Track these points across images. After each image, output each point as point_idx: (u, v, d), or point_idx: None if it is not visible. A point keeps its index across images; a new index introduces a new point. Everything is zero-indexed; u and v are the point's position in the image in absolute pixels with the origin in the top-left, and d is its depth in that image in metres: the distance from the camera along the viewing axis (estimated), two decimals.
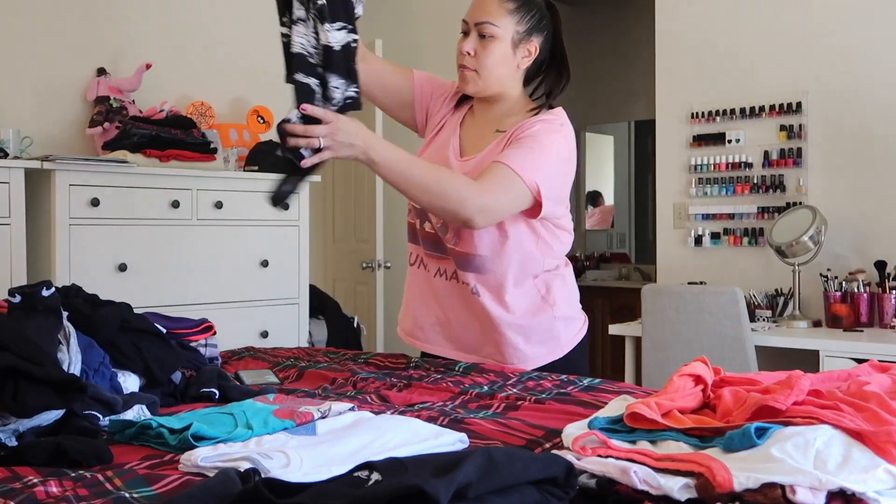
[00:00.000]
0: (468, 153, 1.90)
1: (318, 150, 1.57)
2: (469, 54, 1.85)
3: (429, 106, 2.02)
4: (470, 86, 1.88)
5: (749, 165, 3.97)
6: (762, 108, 3.94)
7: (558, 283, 1.93)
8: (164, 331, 1.69)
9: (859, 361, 3.05)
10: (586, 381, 1.66)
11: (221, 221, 3.50)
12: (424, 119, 2.02)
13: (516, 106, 1.91)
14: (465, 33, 1.87)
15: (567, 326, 1.95)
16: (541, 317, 1.90)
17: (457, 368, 1.81)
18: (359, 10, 1.68)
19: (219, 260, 3.48)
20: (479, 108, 1.96)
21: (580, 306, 2.02)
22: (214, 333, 1.87)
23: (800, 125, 3.84)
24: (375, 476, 0.85)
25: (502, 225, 1.82)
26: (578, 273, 5.45)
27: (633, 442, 1.01)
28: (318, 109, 1.58)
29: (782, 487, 0.83)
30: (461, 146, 1.93)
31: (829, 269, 3.60)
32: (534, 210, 1.79)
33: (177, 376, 1.56)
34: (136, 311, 1.69)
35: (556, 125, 1.84)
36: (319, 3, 1.61)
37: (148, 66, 3.64)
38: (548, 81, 1.93)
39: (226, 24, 4.08)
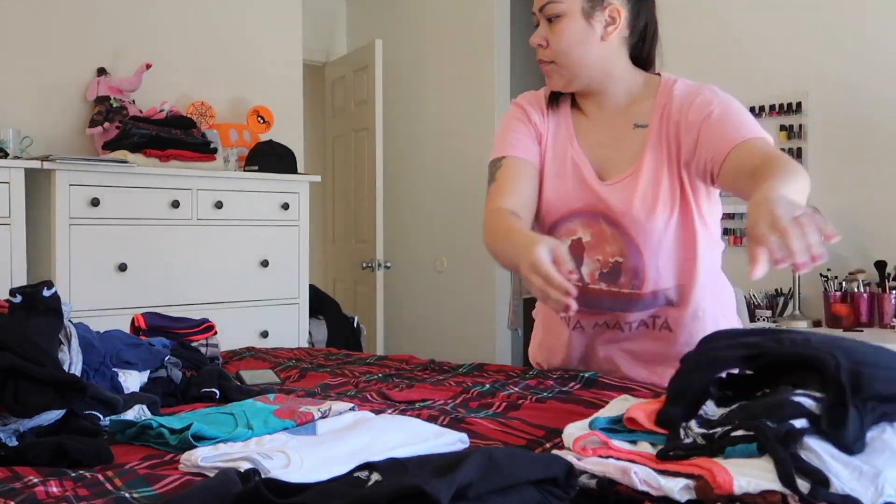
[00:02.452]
0: (618, 169, 1.59)
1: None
2: (542, 46, 1.60)
3: (538, 144, 1.68)
4: (556, 80, 1.62)
5: None
6: (762, 108, 3.94)
7: (730, 293, 1.73)
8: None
9: None
10: (587, 375, 1.61)
11: (221, 221, 3.50)
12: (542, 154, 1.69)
13: (634, 86, 1.64)
14: (535, 26, 1.61)
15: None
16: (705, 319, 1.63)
17: (460, 369, 1.81)
18: None
19: (219, 260, 3.49)
20: (588, 105, 1.67)
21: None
22: (215, 333, 1.87)
23: (800, 125, 3.84)
24: (376, 476, 0.85)
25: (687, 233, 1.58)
26: None
27: (634, 442, 1.01)
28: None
29: (783, 494, 0.83)
30: (592, 162, 1.62)
31: (829, 269, 3.60)
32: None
33: (177, 375, 1.55)
34: (135, 311, 1.69)
35: (703, 85, 1.62)
36: None
37: (148, 66, 3.65)
38: (647, 47, 1.68)
39: (226, 24, 4.09)
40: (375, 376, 1.76)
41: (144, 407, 1.35)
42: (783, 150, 3.87)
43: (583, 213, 1.62)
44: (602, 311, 1.65)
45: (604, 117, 1.66)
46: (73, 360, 1.34)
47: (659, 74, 1.69)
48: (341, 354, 2.11)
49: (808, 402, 0.93)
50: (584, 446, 0.99)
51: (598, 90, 1.65)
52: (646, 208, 1.57)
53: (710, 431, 0.95)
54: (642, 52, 1.68)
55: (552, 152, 1.67)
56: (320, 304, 4.27)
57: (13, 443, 1.14)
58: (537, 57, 1.63)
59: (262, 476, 0.95)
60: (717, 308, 1.67)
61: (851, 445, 0.87)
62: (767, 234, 1.10)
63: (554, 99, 1.71)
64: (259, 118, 4.04)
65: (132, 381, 1.48)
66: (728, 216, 4.04)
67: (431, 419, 1.29)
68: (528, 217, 1.61)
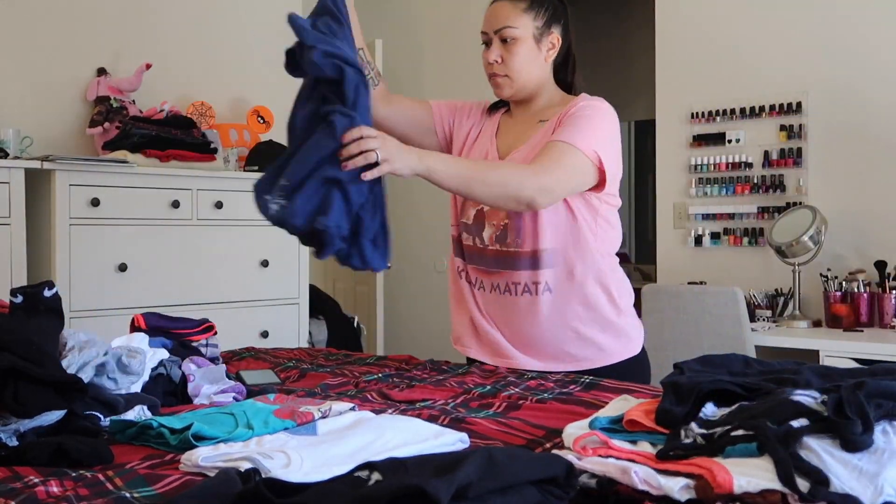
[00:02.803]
0: (513, 149, 1.90)
1: (373, 166, 1.51)
2: (497, 62, 1.87)
3: (450, 124, 2.03)
4: (505, 90, 1.91)
5: (749, 165, 3.97)
6: (762, 108, 3.94)
7: (619, 277, 1.93)
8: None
9: (859, 361, 3.07)
10: (588, 379, 1.66)
11: (221, 221, 3.50)
12: (446, 137, 2.04)
13: (554, 98, 1.94)
14: (487, 44, 1.89)
15: (634, 324, 1.95)
16: (609, 311, 1.89)
17: (460, 369, 1.81)
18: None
19: (219, 260, 3.49)
20: (517, 110, 1.98)
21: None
22: (215, 333, 1.87)
23: (800, 125, 3.84)
24: (376, 476, 0.85)
25: (567, 209, 1.83)
26: None
27: (634, 442, 1.01)
28: (359, 129, 1.52)
29: (782, 493, 0.83)
30: (499, 148, 1.94)
31: (829, 269, 3.60)
32: (599, 183, 1.81)
33: (177, 374, 1.56)
34: (135, 311, 1.69)
35: (602, 105, 1.87)
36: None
37: (148, 66, 3.64)
38: (570, 71, 1.97)
39: (226, 24, 4.09)
40: (375, 376, 1.76)
41: (145, 408, 1.35)
42: (783, 149, 3.89)
43: None
44: (498, 270, 1.89)
45: (524, 117, 1.96)
46: (74, 362, 1.34)
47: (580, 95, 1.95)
48: (341, 354, 2.11)
49: (808, 402, 0.93)
50: (584, 446, 0.99)
51: (529, 99, 1.94)
52: None
53: (710, 431, 0.95)
54: (566, 77, 1.97)
55: (477, 144, 1.98)
56: (320, 304, 4.27)
57: (13, 443, 1.14)
58: (489, 71, 1.90)
59: (263, 476, 0.95)
60: (594, 278, 1.87)
61: (860, 437, 0.87)
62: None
63: (495, 105, 2.03)
64: (259, 118, 4.04)
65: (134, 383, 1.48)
66: (728, 216, 4.04)
67: (432, 419, 1.30)
68: (398, 108, 2.01)
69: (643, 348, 1.97)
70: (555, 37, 1.90)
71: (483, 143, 1.98)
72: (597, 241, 1.87)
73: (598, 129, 1.81)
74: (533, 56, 1.87)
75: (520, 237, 1.84)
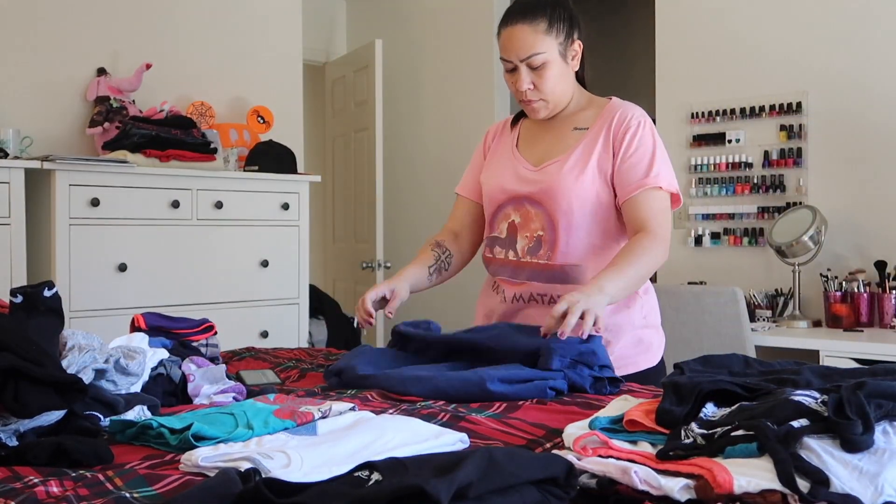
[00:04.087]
0: (549, 158, 1.90)
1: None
2: (530, 89, 1.85)
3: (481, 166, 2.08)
4: (542, 113, 1.90)
5: (749, 165, 3.97)
6: (762, 108, 3.94)
7: (646, 288, 1.95)
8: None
9: (859, 361, 3.07)
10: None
11: (221, 221, 3.50)
12: None
13: (580, 100, 1.94)
14: (512, 70, 1.86)
15: (656, 335, 1.96)
16: (635, 322, 1.90)
17: None
18: None
19: (219, 260, 3.49)
20: (536, 121, 1.97)
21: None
22: (215, 333, 1.87)
23: (800, 125, 3.84)
24: (376, 476, 0.85)
25: (603, 227, 1.87)
26: None
27: (634, 442, 1.01)
28: (552, 322, 1.58)
29: (783, 493, 0.83)
30: (528, 158, 1.94)
31: (829, 269, 3.60)
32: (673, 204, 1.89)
33: (177, 374, 1.56)
34: (135, 311, 1.69)
35: (647, 122, 1.89)
36: None
37: (148, 66, 3.64)
38: (582, 66, 1.95)
39: (226, 24, 4.09)
40: None
41: (145, 408, 1.35)
42: (783, 149, 3.89)
43: (512, 200, 1.93)
44: (532, 281, 1.89)
45: (549, 124, 1.95)
46: (74, 362, 1.34)
47: (609, 98, 1.96)
48: (341, 354, 2.11)
49: (808, 402, 0.93)
50: (584, 446, 0.99)
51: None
52: (568, 184, 1.84)
53: (711, 431, 0.95)
54: (580, 72, 1.96)
55: (496, 158, 2.00)
56: (320, 304, 4.27)
57: (13, 443, 1.14)
58: (522, 98, 1.88)
59: (263, 476, 0.95)
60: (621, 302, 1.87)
61: (860, 437, 0.87)
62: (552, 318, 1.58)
63: (517, 119, 2.04)
64: (259, 118, 4.04)
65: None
66: (728, 216, 4.04)
67: (431, 419, 1.30)
68: (468, 235, 2.10)
69: (661, 359, 1.96)
70: (577, 45, 1.88)
71: (503, 156, 1.98)
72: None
73: (660, 155, 1.84)
74: (563, 73, 1.86)
75: (553, 250, 1.86)
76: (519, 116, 2.04)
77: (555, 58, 1.83)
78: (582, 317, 1.55)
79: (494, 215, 1.97)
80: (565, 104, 1.91)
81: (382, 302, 1.90)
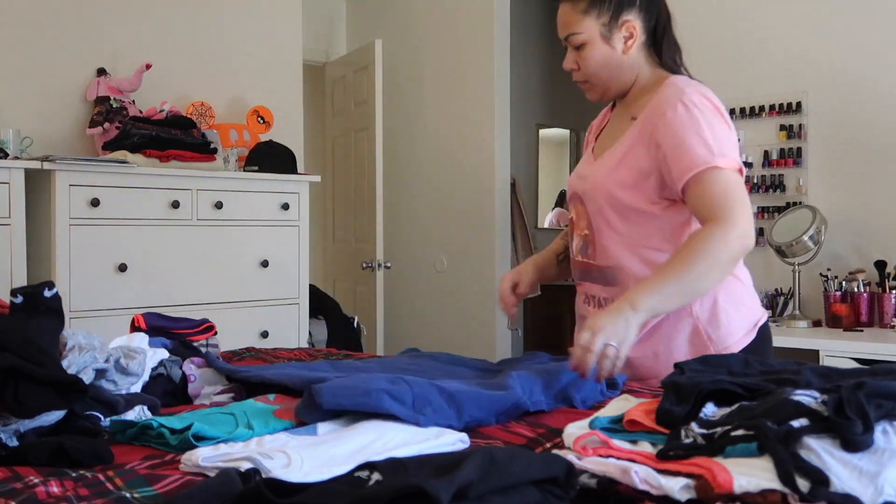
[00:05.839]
0: (604, 152, 1.81)
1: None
2: (574, 69, 1.80)
3: None
4: (592, 94, 1.84)
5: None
6: (762, 108, 3.94)
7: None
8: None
9: (859, 361, 3.07)
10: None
11: (221, 221, 3.50)
12: None
13: (647, 85, 1.80)
14: (565, 49, 1.81)
15: (734, 309, 1.74)
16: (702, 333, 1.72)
17: None
18: None
19: (219, 260, 3.49)
20: (619, 104, 1.89)
21: (755, 300, 1.82)
22: (215, 333, 1.87)
23: (800, 125, 3.84)
24: (376, 476, 0.85)
25: (651, 221, 1.72)
26: None
27: (634, 442, 1.01)
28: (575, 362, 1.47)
29: (783, 493, 0.83)
30: (595, 151, 1.87)
31: (829, 269, 3.60)
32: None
33: (177, 375, 1.56)
34: (135, 311, 1.69)
35: (684, 91, 1.69)
36: None
37: (148, 66, 3.64)
38: (668, 46, 1.81)
39: (226, 24, 4.09)
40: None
41: (145, 408, 1.35)
42: (783, 149, 3.88)
43: (572, 198, 1.88)
44: (584, 281, 1.85)
45: (622, 113, 1.85)
46: (75, 363, 1.34)
47: (670, 75, 1.79)
48: (341, 354, 2.11)
49: (808, 402, 0.93)
50: (584, 446, 0.99)
51: (624, 94, 1.84)
52: (598, 181, 1.76)
53: (711, 431, 0.95)
54: (657, 45, 1.81)
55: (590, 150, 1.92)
56: (320, 304, 4.26)
57: (14, 443, 1.14)
58: (573, 78, 1.82)
59: (263, 476, 0.95)
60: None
61: (860, 437, 0.87)
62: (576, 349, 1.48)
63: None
64: (259, 118, 4.04)
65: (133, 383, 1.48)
66: None
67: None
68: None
69: (760, 328, 1.81)
70: (630, 25, 1.74)
71: (589, 147, 1.92)
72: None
73: (708, 131, 1.64)
74: (607, 56, 1.75)
75: (595, 249, 1.79)
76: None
77: (595, 39, 1.73)
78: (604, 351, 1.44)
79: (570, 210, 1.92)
80: (620, 90, 1.81)
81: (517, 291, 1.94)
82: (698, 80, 1.79)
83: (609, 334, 1.46)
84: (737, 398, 1.04)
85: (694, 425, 0.98)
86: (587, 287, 1.84)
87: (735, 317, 1.74)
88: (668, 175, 1.67)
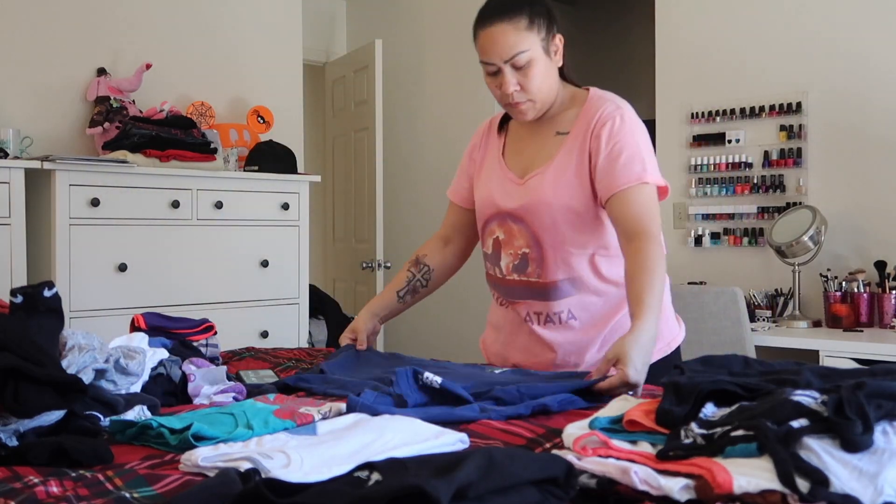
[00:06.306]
0: (533, 169, 1.81)
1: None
2: (517, 91, 1.75)
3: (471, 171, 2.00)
4: (530, 115, 1.80)
5: (749, 165, 3.97)
6: (762, 108, 3.94)
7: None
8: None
9: (859, 361, 3.07)
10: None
11: (221, 221, 3.50)
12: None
13: (565, 97, 1.83)
14: (494, 73, 1.76)
15: (668, 325, 1.86)
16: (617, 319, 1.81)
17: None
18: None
19: (219, 260, 3.49)
20: (522, 124, 1.88)
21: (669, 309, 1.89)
22: (215, 333, 1.87)
23: (800, 125, 3.84)
24: (376, 476, 0.85)
25: (595, 231, 1.79)
26: None
27: (634, 442, 1.01)
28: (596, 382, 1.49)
29: (782, 493, 0.83)
30: (512, 168, 1.86)
31: (829, 269, 3.60)
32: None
33: (177, 374, 1.56)
34: (135, 311, 1.69)
35: (627, 110, 1.78)
36: None
37: (148, 66, 3.65)
38: (568, 60, 1.85)
39: (226, 24, 4.09)
40: None
41: (145, 408, 1.35)
42: (783, 149, 3.88)
43: (496, 216, 1.86)
44: (522, 299, 1.85)
45: (534, 129, 1.86)
46: (75, 363, 1.34)
47: (587, 89, 1.86)
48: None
49: (808, 402, 0.93)
50: (584, 446, 0.99)
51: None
52: (548, 198, 1.77)
53: (710, 432, 0.95)
54: (561, 66, 1.84)
55: (485, 166, 1.93)
56: (320, 304, 4.27)
57: (13, 443, 1.14)
58: (509, 101, 1.77)
59: (263, 476, 0.95)
60: (605, 307, 1.82)
61: (860, 437, 0.87)
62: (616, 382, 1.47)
63: (505, 121, 1.95)
64: (259, 118, 4.04)
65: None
66: (728, 216, 4.04)
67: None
68: (459, 240, 2.07)
69: (677, 348, 1.89)
70: (558, 39, 1.78)
71: (491, 166, 1.90)
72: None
73: (644, 148, 1.74)
74: (548, 70, 1.76)
75: (543, 266, 1.80)
76: (504, 121, 1.95)
77: (539, 55, 1.73)
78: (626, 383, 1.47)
79: (483, 230, 1.92)
80: (552, 102, 1.82)
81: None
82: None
83: (639, 375, 1.49)
84: (737, 398, 1.04)
85: (694, 425, 0.98)
86: (527, 304, 1.84)
87: (668, 314, 1.88)
88: (597, 183, 1.75)
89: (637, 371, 1.47)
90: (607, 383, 1.46)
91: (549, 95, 1.79)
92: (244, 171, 3.68)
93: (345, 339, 1.97)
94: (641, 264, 1.65)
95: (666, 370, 1.77)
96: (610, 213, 1.74)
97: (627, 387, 1.47)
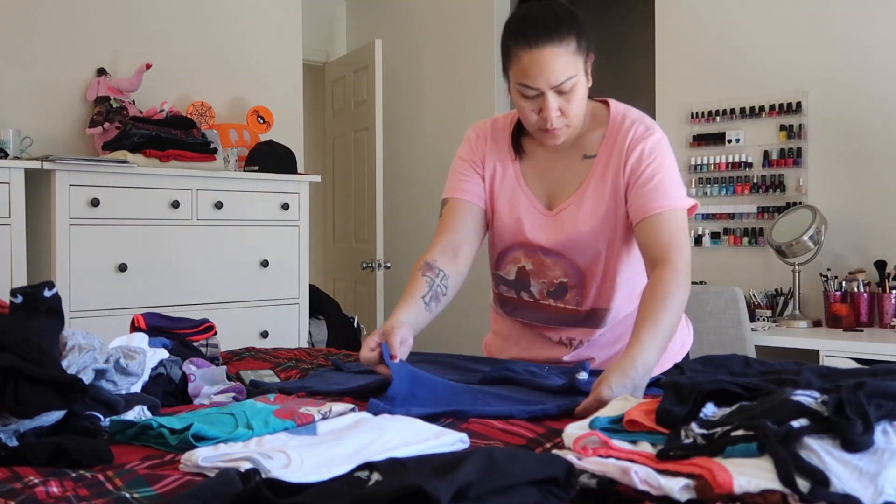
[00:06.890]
0: (562, 197, 1.72)
1: None
2: (558, 116, 1.63)
3: (487, 190, 1.82)
4: (563, 139, 1.68)
5: (749, 165, 3.97)
6: (762, 108, 3.94)
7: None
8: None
9: (859, 361, 3.07)
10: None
11: (221, 221, 3.50)
12: (491, 200, 1.83)
13: (586, 118, 1.72)
14: (534, 97, 1.62)
15: (678, 335, 1.75)
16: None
17: None
18: None
19: (219, 260, 3.49)
20: (557, 147, 1.74)
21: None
22: (215, 333, 1.87)
23: (800, 125, 3.84)
24: (376, 476, 0.85)
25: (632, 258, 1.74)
26: None
27: (634, 442, 1.01)
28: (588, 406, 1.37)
29: (783, 493, 0.83)
30: (539, 197, 1.75)
31: (829, 269, 3.60)
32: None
33: (177, 375, 1.56)
34: (135, 311, 1.69)
35: (658, 133, 1.70)
36: None
37: (148, 66, 3.65)
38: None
39: (226, 24, 4.09)
40: None
41: (145, 408, 1.35)
42: (783, 149, 3.88)
43: (522, 246, 1.77)
44: (559, 326, 1.79)
45: (557, 150, 1.74)
46: (75, 363, 1.34)
47: (605, 102, 1.77)
48: (341, 354, 2.11)
49: (808, 402, 0.93)
50: (584, 446, 0.99)
51: None
52: (590, 232, 1.70)
53: (711, 431, 0.95)
54: None
55: (505, 186, 1.79)
56: (320, 304, 4.26)
57: (13, 443, 1.14)
58: (547, 126, 1.64)
59: (263, 476, 0.95)
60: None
61: (860, 437, 0.87)
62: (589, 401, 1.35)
63: (517, 136, 1.79)
64: (259, 118, 4.04)
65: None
66: (728, 216, 4.04)
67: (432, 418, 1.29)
68: (468, 249, 1.83)
69: (687, 354, 1.87)
70: (592, 56, 1.66)
71: (512, 188, 1.77)
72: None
73: (673, 166, 1.68)
74: (586, 92, 1.66)
75: (584, 296, 1.74)
76: (517, 137, 1.79)
77: (582, 79, 1.62)
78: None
79: (502, 254, 1.81)
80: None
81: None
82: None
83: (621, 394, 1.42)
84: (737, 398, 1.04)
85: (694, 425, 0.98)
86: (563, 331, 1.79)
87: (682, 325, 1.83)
88: (629, 206, 1.68)
89: (612, 392, 1.35)
90: (581, 406, 1.35)
91: (582, 118, 1.69)
92: (244, 171, 3.68)
93: (371, 353, 1.57)
94: (656, 293, 1.56)
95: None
96: (638, 236, 1.67)
97: (600, 405, 1.33)
